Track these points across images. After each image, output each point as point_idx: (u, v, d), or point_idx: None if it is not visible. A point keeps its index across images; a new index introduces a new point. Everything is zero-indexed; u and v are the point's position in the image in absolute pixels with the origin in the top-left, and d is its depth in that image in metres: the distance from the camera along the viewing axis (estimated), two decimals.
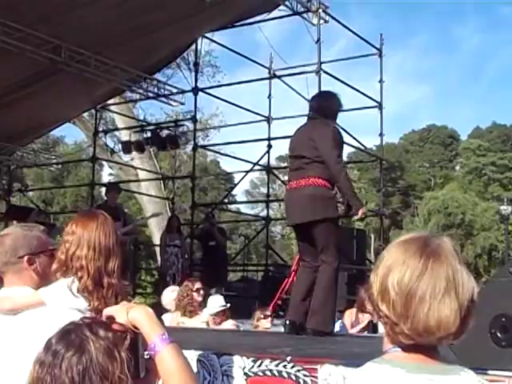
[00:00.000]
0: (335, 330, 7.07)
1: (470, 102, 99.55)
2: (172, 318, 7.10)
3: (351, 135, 13.55)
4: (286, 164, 47.45)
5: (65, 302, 2.76)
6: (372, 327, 7.95)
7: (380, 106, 14.20)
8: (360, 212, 5.30)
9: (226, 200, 25.25)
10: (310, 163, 5.21)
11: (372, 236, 39.77)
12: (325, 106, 5.60)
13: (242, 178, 16.79)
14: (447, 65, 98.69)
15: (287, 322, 5.32)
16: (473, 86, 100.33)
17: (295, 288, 5.55)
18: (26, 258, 2.85)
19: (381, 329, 7.92)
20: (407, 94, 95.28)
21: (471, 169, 62.29)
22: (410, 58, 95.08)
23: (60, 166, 24.22)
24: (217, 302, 7.28)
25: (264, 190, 23.95)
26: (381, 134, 14.45)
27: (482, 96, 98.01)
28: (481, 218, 51.97)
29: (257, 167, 15.92)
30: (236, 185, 24.57)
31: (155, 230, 18.78)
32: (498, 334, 2.88)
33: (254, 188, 56.37)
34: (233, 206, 34.55)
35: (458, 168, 67.27)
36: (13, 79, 11.79)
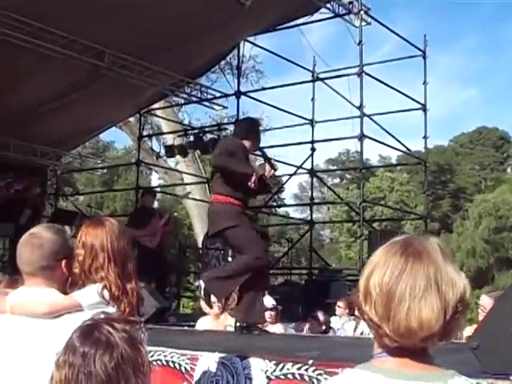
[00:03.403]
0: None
1: None
2: (218, 322, 7.07)
3: (396, 138, 13.45)
4: (334, 167, 47.28)
5: (99, 308, 2.74)
6: None
7: (424, 108, 14.03)
8: (270, 169, 5.99)
9: (270, 204, 25.17)
10: (216, 179, 5.92)
11: None
12: (238, 126, 6.69)
13: (286, 182, 16.70)
14: (495, 66, 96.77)
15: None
16: None
17: None
18: (64, 262, 2.83)
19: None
20: (456, 96, 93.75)
21: None
22: (457, 59, 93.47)
23: (107, 171, 24.58)
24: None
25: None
26: (425, 137, 14.28)
27: None
28: None
29: (303, 171, 15.86)
30: (280, 188, 24.46)
31: (200, 233, 18.86)
32: None
33: (303, 191, 56.26)
34: (281, 210, 34.49)
35: (509, 170, 65.97)
36: (57, 86, 11.97)
